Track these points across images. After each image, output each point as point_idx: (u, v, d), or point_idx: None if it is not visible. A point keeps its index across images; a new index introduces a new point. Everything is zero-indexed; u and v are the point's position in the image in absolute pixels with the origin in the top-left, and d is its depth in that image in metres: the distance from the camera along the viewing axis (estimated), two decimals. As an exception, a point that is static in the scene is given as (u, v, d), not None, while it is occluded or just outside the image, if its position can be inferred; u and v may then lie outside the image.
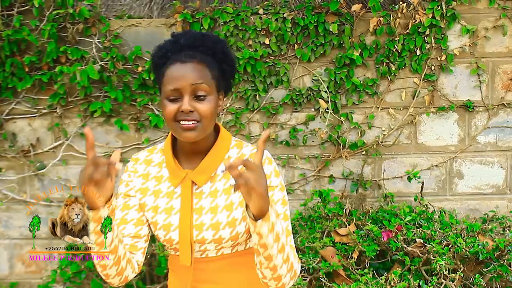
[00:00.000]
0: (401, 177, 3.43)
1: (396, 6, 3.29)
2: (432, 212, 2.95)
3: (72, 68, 3.18)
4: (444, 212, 3.02)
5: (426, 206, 3.01)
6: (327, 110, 3.35)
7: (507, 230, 2.77)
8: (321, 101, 3.35)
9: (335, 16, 3.28)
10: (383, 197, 3.39)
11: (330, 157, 3.42)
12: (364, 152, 3.41)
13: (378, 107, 3.40)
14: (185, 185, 1.48)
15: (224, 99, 1.53)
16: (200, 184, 1.47)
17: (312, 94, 3.37)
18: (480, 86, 3.36)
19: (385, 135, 3.40)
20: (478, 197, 3.45)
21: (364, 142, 3.39)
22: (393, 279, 2.26)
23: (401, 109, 3.40)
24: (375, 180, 3.44)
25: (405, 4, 3.26)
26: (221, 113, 1.54)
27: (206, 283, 1.51)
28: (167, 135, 3.37)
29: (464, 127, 3.41)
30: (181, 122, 1.41)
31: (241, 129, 3.41)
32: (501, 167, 3.43)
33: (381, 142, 3.40)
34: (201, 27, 3.29)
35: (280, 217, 1.43)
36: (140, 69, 3.30)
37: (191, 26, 3.30)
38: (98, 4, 3.35)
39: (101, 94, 3.38)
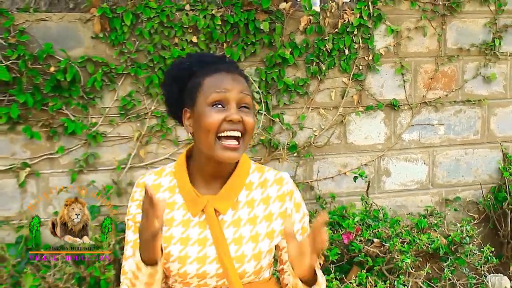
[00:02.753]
0: (332, 177, 3.41)
1: (325, 5, 3.25)
2: (375, 210, 2.96)
3: (-30, 68, 2.73)
4: (384, 211, 3.05)
5: (371, 205, 3.01)
6: (259, 112, 3.22)
7: (445, 223, 2.84)
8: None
9: (265, 14, 3.17)
10: (316, 198, 3.35)
11: (262, 160, 3.30)
12: (296, 154, 3.34)
13: (309, 108, 3.34)
14: (209, 213, 1.32)
15: None
16: (223, 211, 1.33)
17: (242, 95, 3.22)
18: (404, 85, 3.45)
19: (316, 135, 3.36)
20: (404, 193, 3.54)
21: (296, 144, 3.32)
22: (370, 282, 2.21)
23: (331, 109, 3.38)
24: (307, 182, 3.39)
25: (334, 3, 3.24)
26: None
27: None
28: (83, 144, 3.04)
29: (390, 126, 3.48)
30: (223, 141, 1.27)
31: (168, 133, 3.17)
32: (424, 163, 3.55)
33: (313, 143, 3.35)
34: (122, 23, 2.99)
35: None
36: (52, 69, 2.92)
37: (111, 22, 2.99)
38: (-2, -6, 2.92)
39: (4, 98, 2.95)
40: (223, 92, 1.28)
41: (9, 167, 2.99)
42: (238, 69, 1.40)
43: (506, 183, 3.50)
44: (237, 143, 1.28)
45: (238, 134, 1.28)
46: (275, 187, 1.40)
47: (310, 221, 2.98)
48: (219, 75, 1.32)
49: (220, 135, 1.27)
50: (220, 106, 1.28)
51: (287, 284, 1.40)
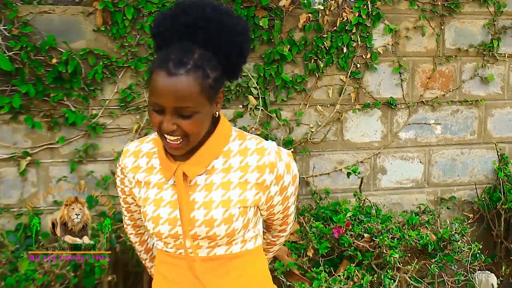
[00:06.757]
0: (328, 173, 3.46)
1: (325, 3, 3.29)
2: (367, 207, 3.00)
3: (-26, 58, 2.79)
4: (377, 207, 3.09)
5: (364, 201, 3.05)
6: (257, 107, 3.27)
7: (438, 221, 2.88)
8: (251, 97, 3.26)
9: (265, 11, 3.21)
10: (311, 194, 3.39)
11: (259, 155, 3.35)
12: (292, 149, 3.39)
13: (306, 104, 3.39)
14: (178, 176, 1.36)
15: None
16: (191, 176, 1.36)
17: (240, 90, 3.27)
18: (401, 84, 3.48)
19: (313, 132, 3.40)
20: (399, 191, 3.57)
21: (292, 139, 3.36)
22: (357, 275, 2.26)
23: (328, 106, 3.42)
24: (303, 177, 3.43)
25: (333, 1, 3.28)
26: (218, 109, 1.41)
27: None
28: (84, 134, 3.11)
29: (387, 124, 3.51)
30: (166, 136, 1.31)
31: (167, 126, 3.22)
32: (420, 162, 3.58)
33: (310, 139, 3.39)
34: (124, 17, 3.05)
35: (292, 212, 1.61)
36: (54, 60, 2.98)
37: (112, 15, 3.05)
38: (3, -14, 2.98)
39: (7, 88, 3.01)
40: (157, 100, 1.27)
41: (11, 155, 3.06)
42: (189, 63, 1.25)
43: (501, 183, 3.53)
44: (179, 142, 1.30)
45: (176, 138, 1.29)
46: (255, 156, 1.38)
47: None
48: (160, 76, 1.25)
49: (163, 133, 1.32)
50: (159, 109, 1.28)
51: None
